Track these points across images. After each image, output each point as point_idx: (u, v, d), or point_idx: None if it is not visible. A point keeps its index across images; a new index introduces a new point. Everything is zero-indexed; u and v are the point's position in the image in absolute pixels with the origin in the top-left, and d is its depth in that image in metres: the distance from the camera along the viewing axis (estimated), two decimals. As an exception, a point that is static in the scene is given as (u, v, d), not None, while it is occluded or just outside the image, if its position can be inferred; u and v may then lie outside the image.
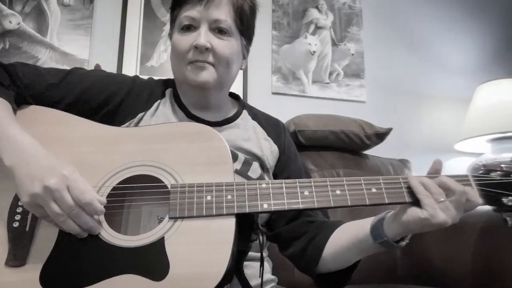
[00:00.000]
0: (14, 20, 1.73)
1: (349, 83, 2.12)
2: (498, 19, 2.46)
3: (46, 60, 1.74)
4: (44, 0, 1.79)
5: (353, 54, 2.15)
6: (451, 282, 1.31)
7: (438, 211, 0.67)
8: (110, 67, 1.77)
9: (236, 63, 0.92)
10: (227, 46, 0.87)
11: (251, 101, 1.89)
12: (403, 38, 2.27)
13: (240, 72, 1.94)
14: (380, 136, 1.72)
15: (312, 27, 2.13)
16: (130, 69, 1.80)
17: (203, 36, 0.84)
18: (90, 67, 1.76)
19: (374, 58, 2.18)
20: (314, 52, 2.09)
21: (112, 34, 1.83)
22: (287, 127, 1.67)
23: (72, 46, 1.78)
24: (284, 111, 1.80)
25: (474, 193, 0.70)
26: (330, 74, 2.10)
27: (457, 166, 2.14)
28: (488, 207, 1.31)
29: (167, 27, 1.89)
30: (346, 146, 1.70)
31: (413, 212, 0.69)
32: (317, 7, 2.16)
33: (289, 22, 2.10)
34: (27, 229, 0.69)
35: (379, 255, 1.51)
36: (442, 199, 0.68)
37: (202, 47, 0.84)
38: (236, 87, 1.91)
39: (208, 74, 0.86)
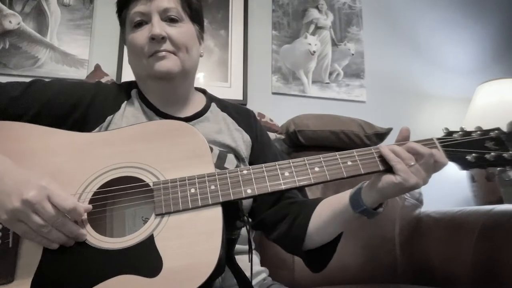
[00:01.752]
0: (14, 20, 1.73)
1: (349, 83, 2.12)
2: (498, 20, 2.46)
3: (46, 60, 1.74)
4: (44, 0, 1.79)
5: (353, 54, 2.15)
6: (451, 282, 1.31)
7: (410, 174, 0.71)
8: (110, 67, 1.77)
9: (195, 48, 0.92)
10: (182, 32, 0.88)
11: (251, 101, 1.89)
12: (403, 38, 2.27)
13: (240, 72, 1.95)
14: (380, 136, 1.72)
15: (312, 27, 2.13)
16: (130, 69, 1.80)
17: (157, 26, 0.85)
18: (90, 67, 1.76)
19: (374, 58, 2.18)
20: (314, 52, 2.09)
21: (112, 34, 1.83)
22: (287, 127, 1.67)
23: (72, 46, 1.78)
24: (284, 111, 1.80)
25: (441, 154, 0.74)
26: (330, 74, 2.10)
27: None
28: (488, 207, 1.31)
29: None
30: (346, 146, 1.70)
31: (388, 179, 0.72)
32: (317, 7, 2.16)
33: (289, 22, 2.10)
34: (10, 245, 0.67)
35: (379, 255, 1.52)
36: (412, 163, 0.72)
37: (158, 36, 0.84)
38: (236, 87, 1.92)
39: (170, 62, 0.86)
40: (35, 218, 0.64)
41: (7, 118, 0.81)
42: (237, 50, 1.97)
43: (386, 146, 0.75)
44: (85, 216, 0.69)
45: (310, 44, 2.09)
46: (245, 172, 0.74)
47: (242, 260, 0.87)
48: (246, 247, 0.87)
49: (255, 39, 2.03)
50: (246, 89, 1.93)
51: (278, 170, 0.74)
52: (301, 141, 1.66)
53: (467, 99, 2.08)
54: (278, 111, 1.85)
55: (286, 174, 0.74)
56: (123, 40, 0.96)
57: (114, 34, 1.82)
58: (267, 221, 0.93)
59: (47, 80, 0.91)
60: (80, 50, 1.79)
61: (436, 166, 0.73)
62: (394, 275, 1.51)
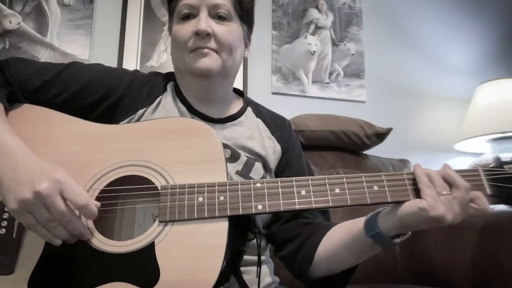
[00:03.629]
0: (14, 20, 1.73)
1: (349, 83, 2.12)
2: (498, 19, 2.46)
3: (46, 60, 1.74)
4: (44, 0, 1.79)
5: (353, 54, 2.15)
6: (451, 282, 1.31)
7: (438, 203, 0.62)
8: (110, 67, 1.77)
9: (239, 50, 0.89)
10: (229, 31, 0.85)
11: (251, 101, 1.89)
12: (403, 38, 2.27)
13: (240, 72, 1.95)
14: (380, 136, 1.72)
15: (312, 27, 2.12)
16: (130, 68, 1.80)
17: (204, 21, 0.82)
18: (90, 67, 1.76)
19: (374, 58, 2.18)
20: (314, 52, 2.09)
21: (112, 34, 1.83)
22: (287, 127, 1.67)
23: (72, 46, 1.78)
24: (284, 111, 1.79)
25: (483, 199, 0.64)
26: (330, 74, 2.10)
27: (457, 166, 2.13)
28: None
29: (167, 27, 1.89)
30: (346, 146, 1.70)
31: (411, 203, 0.64)
32: (317, 7, 2.16)
33: (289, 22, 2.10)
34: (14, 236, 0.67)
35: (379, 255, 1.51)
36: (444, 192, 0.63)
37: (203, 32, 0.82)
38: (236, 87, 1.91)
39: (211, 61, 0.84)
40: (43, 211, 0.62)
41: (37, 100, 0.80)
42: (237, 50, 1.97)
43: (422, 168, 0.66)
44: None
45: (310, 44, 2.09)
46: (258, 185, 0.68)
47: (254, 272, 0.82)
48: (261, 257, 0.82)
49: (255, 39, 2.02)
50: (246, 89, 1.93)
51: (295, 187, 0.68)
52: (301, 141, 1.65)
53: (467, 99, 2.07)
54: (278, 111, 1.84)
55: (303, 192, 0.68)
56: (168, 30, 0.94)
57: (114, 34, 1.83)
58: (277, 236, 0.89)
59: (83, 64, 0.89)
60: (80, 50, 1.78)
61: (473, 207, 0.65)
62: (394, 275, 1.51)
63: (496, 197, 0.65)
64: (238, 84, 1.92)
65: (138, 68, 1.82)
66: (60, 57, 1.76)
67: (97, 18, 1.84)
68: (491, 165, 0.67)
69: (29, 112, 0.78)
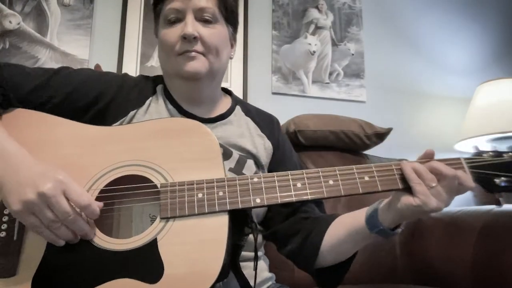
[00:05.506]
0: (14, 20, 1.73)
1: (349, 83, 2.12)
2: (498, 19, 2.46)
3: (46, 60, 1.74)
4: (44, 0, 1.79)
5: (353, 54, 2.15)
6: (451, 282, 1.31)
7: (430, 197, 0.67)
8: (110, 67, 1.77)
9: (225, 51, 0.91)
10: (215, 34, 0.87)
11: (251, 101, 1.89)
12: (403, 38, 2.27)
13: (240, 72, 1.95)
14: (380, 136, 1.72)
15: (312, 27, 2.13)
16: (130, 69, 1.80)
17: (190, 25, 0.83)
18: (90, 67, 1.76)
19: (374, 58, 2.18)
20: (314, 52, 2.09)
21: (112, 34, 1.83)
22: (287, 127, 1.67)
23: (72, 46, 1.78)
24: (284, 111, 1.80)
25: (466, 177, 0.69)
26: (330, 74, 2.10)
27: (457, 166, 2.13)
28: (488, 207, 1.31)
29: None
30: (346, 146, 1.70)
31: (406, 200, 0.69)
32: (317, 7, 2.16)
33: (289, 22, 2.10)
34: (15, 238, 0.67)
35: (379, 256, 1.52)
36: (433, 185, 0.68)
37: (190, 36, 0.83)
38: (236, 87, 1.92)
39: (199, 64, 0.85)
40: (47, 212, 0.63)
41: (29, 105, 0.80)
42: (237, 50, 1.96)
43: (408, 163, 0.71)
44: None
45: (310, 44, 2.09)
46: (255, 180, 0.71)
47: (249, 267, 0.85)
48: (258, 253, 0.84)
49: (255, 39, 2.03)
50: (246, 89, 1.93)
51: (291, 180, 0.71)
52: (301, 141, 1.66)
53: (467, 99, 2.08)
54: (278, 111, 1.83)
55: (298, 185, 0.71)
56: (154, 33, 0.95)
57: (114, 34, 1.83)
58: (279, 234, 0.91)
59: (72, 69, 0.90)
60: (80, 50, 1.78)
61: (460, 189, 0.69)
62: (394, 275, 1.51)
63: (478, 183, 0.70)
64: (238, 84, 1.92)
65: (138, 68, 1.82)
66: (60, 57, 1.76)
67: (97, 18, 1.84)
68: (471, 154, 0.73)
69: (24, 116, 0.78)
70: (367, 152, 1.78)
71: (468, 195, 1.96)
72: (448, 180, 0.68)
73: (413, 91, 2.22)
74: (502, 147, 1.90)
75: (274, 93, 2.00)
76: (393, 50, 2.24)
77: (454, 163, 0.72)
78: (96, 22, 1.84)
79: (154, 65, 1.84)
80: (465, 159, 0.72)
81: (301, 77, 2.06)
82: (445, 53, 2.32)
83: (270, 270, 1.00)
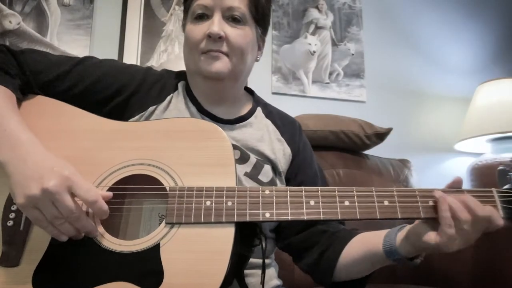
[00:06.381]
0: (14, 20, 1.73)
1: (349, 83, 2.12)
2: (498, 19, 2.46)
3: (46, 60, 1.74)
4: (44, 0, 1.79)
5: (353, 54, 2.15)
6: (451, 282, 1.31)
7: (454, 242, 0.63)
8: (110, 67, 1.77)
9: (251, 54, 0.89)
10: (242, 35, 0.84)
11: (251, 101, 1.89)
12: (403, 38, 2.27)
13: (240, 72, 1.95)
14: (380, 136, 1.72)
15: (312, 27, 2.13)
16: (130, 69, 1.80)
17: (217, 24, 0.81)
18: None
19: (374, 58, 2.18)
20: (314, 52, 2.09)
21: (112, 34, 1.83)
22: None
23: (72, 46, 1.78)
24: (284, 111, 1.80)
25: (497, 215, 0.64)
26: (330, 74, 2.10)
27: (457, 166, 2.13)
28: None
29: (167, 27, 1.89)
30: (346, 146, 1.70)
31: (428, 238, 0.65)
32: (317, 7, 2.16)
33: (289, 22, 2.10)
34: (21, 228, 0.67)
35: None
36: (465, 227, 0.62)
37: (215, 35, 0.81)
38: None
39: (221, 64, 0.83)
40: (51, 208, 0.62)
41: (49, 93, 0.80)
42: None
43: (445, 197, 0.64)
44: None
45: (310, 44, 2.09)
46: (267, 192, 0.68)
47: (258, 275, 0.80)
48: (266, 261, 0.83)
49: (255, 39, 2.02)
50: (246, 89, 1.93)
51: (304, 197, 0.67)
52: (301, 141, 1.66)
53: (467, 99, 2.08)
54: (278, 111, 1.85)
55: (312, 203, 0.67)
56: (182, 26, 0.93)
57: (114, 34, 1.83)
58: (294, 246, 0.88)
59: (97, 59, 0.89)
60: (80, 50, 1.78)
61: (488, 227, 0.64)
62: (394, 275, 1.51)
63: (509, 220, 0.64)
64: (238, 84, 1.92)
65: (138, 68, 1.82)
66: (60, 57, 1.76)
67: (97, 18, 1.84)
68: (505, 187, 0.66)
69: (42, 104, 0.78)
70: (367, 152, 1.78)
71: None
72: (480, 221, 0.63)
73: (413, 91, 2.22)
74: (502, 147, 1.90)
75: (274, 93, 2.00)
76: (393, 50, 2.24)
77: (485, 195, 0.66)
78: (96, 22, 1.84)
79: (154, 65, 1.84)
80: (498, 191, 0.65)
81: (301, 77, 2.06)
82: (445, 53, 2.32)
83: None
